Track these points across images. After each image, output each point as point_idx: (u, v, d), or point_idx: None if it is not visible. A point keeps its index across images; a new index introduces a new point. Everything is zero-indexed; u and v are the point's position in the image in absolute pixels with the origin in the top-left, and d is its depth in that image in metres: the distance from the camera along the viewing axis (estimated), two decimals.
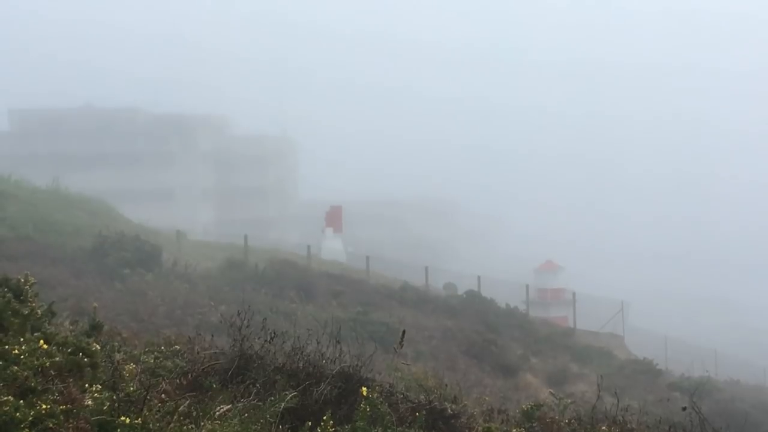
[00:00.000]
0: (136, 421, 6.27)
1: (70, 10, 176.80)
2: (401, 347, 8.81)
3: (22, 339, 7.30)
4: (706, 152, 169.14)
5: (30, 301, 8.65)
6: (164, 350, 10.13)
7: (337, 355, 9.55)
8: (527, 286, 54.84)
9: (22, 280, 8.96)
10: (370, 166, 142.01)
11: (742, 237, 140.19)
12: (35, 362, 6.84)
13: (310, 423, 7.43)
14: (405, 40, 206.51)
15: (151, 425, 6.28)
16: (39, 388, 6.58)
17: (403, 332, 9.03)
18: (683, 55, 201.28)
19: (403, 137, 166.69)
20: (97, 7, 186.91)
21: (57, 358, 7.16)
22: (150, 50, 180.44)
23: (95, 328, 10.01)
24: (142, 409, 6.54)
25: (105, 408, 6.56)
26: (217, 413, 6.91)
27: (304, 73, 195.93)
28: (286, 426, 7.83)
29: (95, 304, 12.95)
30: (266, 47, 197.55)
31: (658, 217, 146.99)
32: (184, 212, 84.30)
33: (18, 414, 6.07)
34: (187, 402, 7.03)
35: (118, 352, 9.16)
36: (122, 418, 6.31)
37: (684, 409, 10.35)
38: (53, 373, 7.02)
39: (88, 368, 7.52)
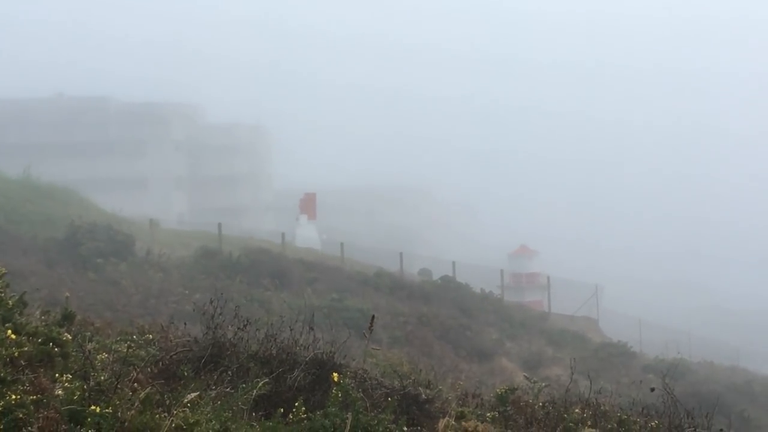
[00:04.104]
0: (106, 410, 6.24)
1: (58, 10, 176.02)
2: (371, 332, 8.80)
3: None
4: (699, 152, 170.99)
5: (0, 292, 8.58)
6: (137, 339, 10.10)
7: (311, 341, 9.56)
8: (502, 271, 54.96)
9: None
10: (349, 159, 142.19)
11: (722, 229, 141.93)
12: (4, 352, 6.79)
13: (282, 410, 7.43)
14: (396, 41, 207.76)
15: (120, 414, 6.25)
16: (9, 378, 6.53)
17: (373, 317, 9.04)
18: (682, 57, 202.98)
19: (392, 135, 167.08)
20: (89, 8, 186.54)
21: (27, 348, 7.11)
22: (143, 52, 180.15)
23: (67, 318, 9.95)
24: (112, 398, 6.50)
25: (75, 397, 6.52)
26: (185, 400, 6.89)
27: (292, 73, 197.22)
28: (260, 413, 7.83)
29: (67, 294, 12.89)
30: (261, 49, 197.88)
31: (640, 211, 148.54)
32: (158, 201, 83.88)
33: None
34: (152, 389, 6.99)
35: (91, 341, 9.12)
36: (92, 407, 6.27)
37: (653, 390, 10.43)
38: (23, 364, 6.98)
39: (59, 358, 7.48)
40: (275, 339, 9.47)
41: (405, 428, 7.79)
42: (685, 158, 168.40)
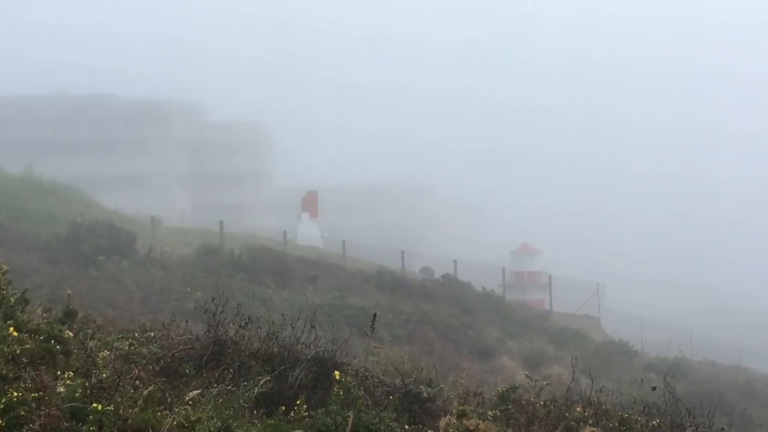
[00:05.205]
0: (108, 408, 6.24)
1: (60, 8, 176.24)
2: (373, 330, 8.80)
3: None
4: (702, 151, 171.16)
5: (2, 289, 8.57)
6: (139, 337, 10.09)
7: (313, 339, 9.56)
8: (503, 270, 54.95)
9: None
10: (351, 158, 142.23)
11: (724, 228, 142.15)
12: (6, 350, 6.79)
13: (284, 408, 7.43)
14: (398, 40, 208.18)
15: (122, 411, 6.25)
16: (10, 375, 6.53)
17: (375, 315, 9.03)
18: (684, 56, 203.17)
19: (394, 133, 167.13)
20: (90, 6, 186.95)
21: (28, 346, 7.11)
22: (144, 50, 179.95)
23: (69, 316, 9.93)
24: (114, 396, 6.51)
25: (77, 395, 6.52)
26: (187, 398, 6.89)
27: (294, 71, 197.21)
28: (261, 411, 7.83)
29: (69, 292, 12.87)
30: (262, 48, 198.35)
31: (641, 211, 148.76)
32: (160, 198, 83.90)
33: None
34: (154, 387, 6.99)
35: (92, 339, 9.11)
36: (94, 404, 6.27)
37: (654, 388, 10.43)
38: (25, 361, 6.97)
39: (61, 355, 7.47)
40: (277, 337, 9.47)
41: (406, 426, 7.79)
42: (687, 158, 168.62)
